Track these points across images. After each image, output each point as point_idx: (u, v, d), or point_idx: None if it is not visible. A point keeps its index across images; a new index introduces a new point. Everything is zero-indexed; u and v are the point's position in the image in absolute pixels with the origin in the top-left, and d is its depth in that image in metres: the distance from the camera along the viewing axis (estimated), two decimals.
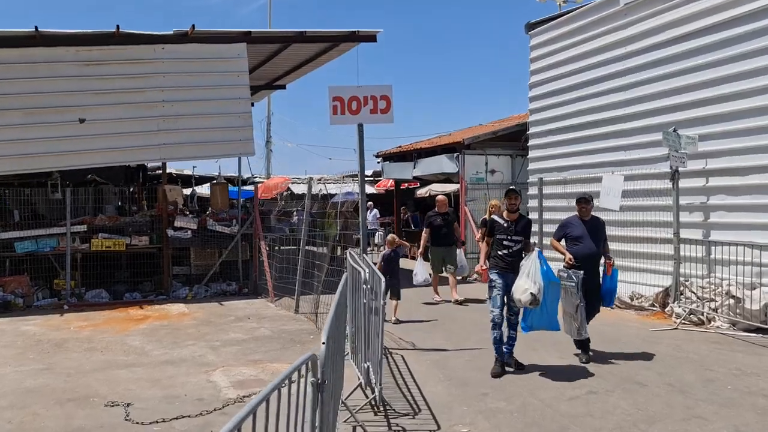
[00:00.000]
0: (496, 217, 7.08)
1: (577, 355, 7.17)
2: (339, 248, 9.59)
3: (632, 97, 11.08)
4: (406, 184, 23.05)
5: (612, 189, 10.04)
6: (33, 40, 11.28)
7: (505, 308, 6.78)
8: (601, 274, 7.33)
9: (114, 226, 12.33)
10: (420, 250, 11.04)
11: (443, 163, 15.03)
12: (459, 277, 11.51)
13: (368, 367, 5.29)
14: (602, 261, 7.34)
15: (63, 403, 5.83)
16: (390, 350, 7.64)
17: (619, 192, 9.89)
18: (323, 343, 2.81)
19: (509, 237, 6.78)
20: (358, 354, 5.83)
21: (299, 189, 26.76)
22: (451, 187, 19.00)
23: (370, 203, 22.58)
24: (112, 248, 12.00)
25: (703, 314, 8.75)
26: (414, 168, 16.70)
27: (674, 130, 9.36)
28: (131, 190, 16.01)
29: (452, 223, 11.04)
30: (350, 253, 7.29)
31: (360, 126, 7.68)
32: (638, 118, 10.91)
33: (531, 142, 13.75)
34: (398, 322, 9.25)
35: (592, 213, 7.54)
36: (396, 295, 9.48)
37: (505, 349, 6.75)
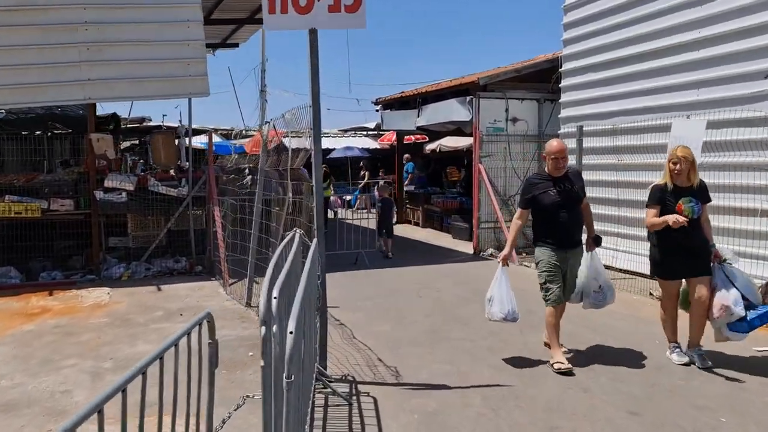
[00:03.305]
0: None
1: None
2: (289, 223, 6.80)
3: (709, 14, 8.04)
4: (413, 138, 20.11)
5: (687, 139, 7.13)
6: None
7: None
8: None
9: (29, 186, 9.65)
10: (505, 251, 5.56)
11: (453, 110, 12.09)
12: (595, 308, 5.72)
13: None
14: None
15: None
16: (358, 385, 4.94)
17: (699, 143, 6.99)
18: None
19: None
20: None
21: (293, 143, 23.91)
22: (465, 141, 16.07)
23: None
24: (23, 214, 9.33)
25: None
26: (418, 116, 13.76)
27: None
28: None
29: (580, 197, 5.46)
30: (298, 234, 4.54)
31: (312, 33, 4.82)
32: (719, 43, 7.90)
33: (565, 82, 10.76)
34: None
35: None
36: (389, 235, 11.37)
37: None
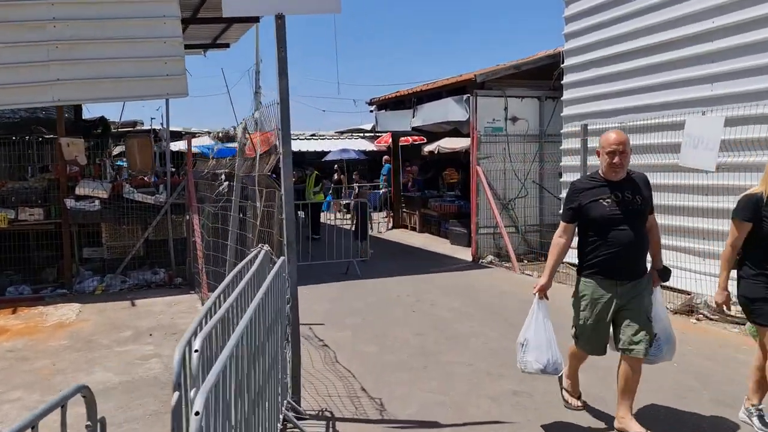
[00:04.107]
0: None
1: None
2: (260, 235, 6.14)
3: (723, 2, 7.40)
4: (410, 140, 19.43)
5: (703, 139, 6.52)
6: None
7: None
8: None
9: None
10: (542, 279, 4.12)
11: (449, 109, 11.46)
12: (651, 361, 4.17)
13: None
14: None
15: None
16: (336, 422, 4.30)
17: (716, 143, 6.36)
18: None
19: None
20: None
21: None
22: (464, 142, 15.42)
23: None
24: None
25: None
26: (413, 117, 13.14)
27: None
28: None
29: (645, 211, 4.01)
30: (263, 251, 3.92)
31: (279, 19, 4.19)
32: (734, 33, 7.26)
33: (567, 79, 10.14)
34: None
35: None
36: (364, 238, 10.51)
37: None
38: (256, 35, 31.63)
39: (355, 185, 15.81)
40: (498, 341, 6.11)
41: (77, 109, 14.30)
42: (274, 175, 6.16)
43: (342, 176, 16.93)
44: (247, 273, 3.24)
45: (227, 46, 19.03)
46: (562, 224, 4.13)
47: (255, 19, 16.05)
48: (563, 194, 10.20)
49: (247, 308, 2.67)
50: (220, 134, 9.17)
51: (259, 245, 4.02)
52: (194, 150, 15.29)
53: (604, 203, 3.90)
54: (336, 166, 18.53)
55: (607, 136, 3.95)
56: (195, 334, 2.10)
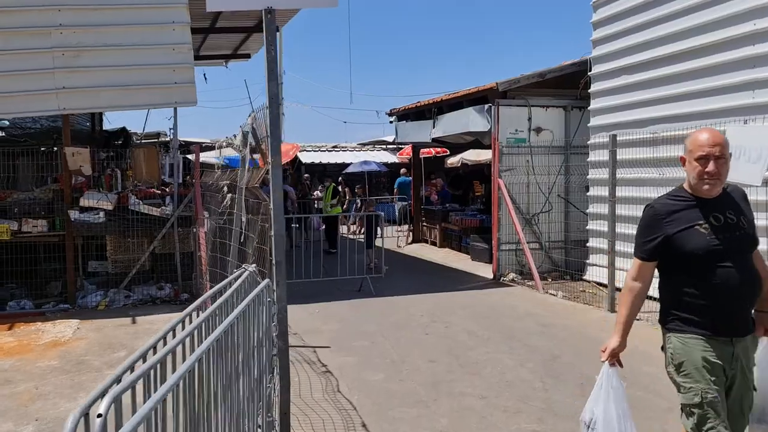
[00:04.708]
0: None
1: None
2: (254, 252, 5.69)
3: (765, 2, 6.85)
4: (433, 151, 18.93)
5: (746, 150, 5.93)
6: None
7: None
8: None
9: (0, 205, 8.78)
10: (613, 342, 2.96)
11: (470, 119, 10.96)
12: None
13: None
14: None
15: None
16: None
17: (761, 152, 5.78)
18: None
19: None
20: None
21: (309, 157, 23.01)
22: (488, 154, 14.86)
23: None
24: None
25: None
26: (433, 128, 12.67)
27: None
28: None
29: (754, 239, 2.93)
30: (246, 273, 3.49)
31: (269, 14, 3.78)
32: None
33: (594, 87, 9.60)
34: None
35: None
36: (369, 247, 10.93)
37: None
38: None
39: (358, 199, 15.40)
40: (515, 370, 5.57)
41: (97, 118, 14.12)
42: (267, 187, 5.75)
43: (346, 189, 16.49)
44: (218, 300, 2.80)
45: (248, 56, 18.79)
46: (637, 263, 2.99)
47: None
48: (590, 209, 9.64)
49: (217, 342, 2.22)
50: (224, 143, 8.79)
51: (243, 265, 3.58)
52: (214, 161, 15.05)
53: (702, 230, 2.83)
54: (340, 179, 18.07)
55: (696, 137, 2.89)
56: (118, 383, 1.66)
